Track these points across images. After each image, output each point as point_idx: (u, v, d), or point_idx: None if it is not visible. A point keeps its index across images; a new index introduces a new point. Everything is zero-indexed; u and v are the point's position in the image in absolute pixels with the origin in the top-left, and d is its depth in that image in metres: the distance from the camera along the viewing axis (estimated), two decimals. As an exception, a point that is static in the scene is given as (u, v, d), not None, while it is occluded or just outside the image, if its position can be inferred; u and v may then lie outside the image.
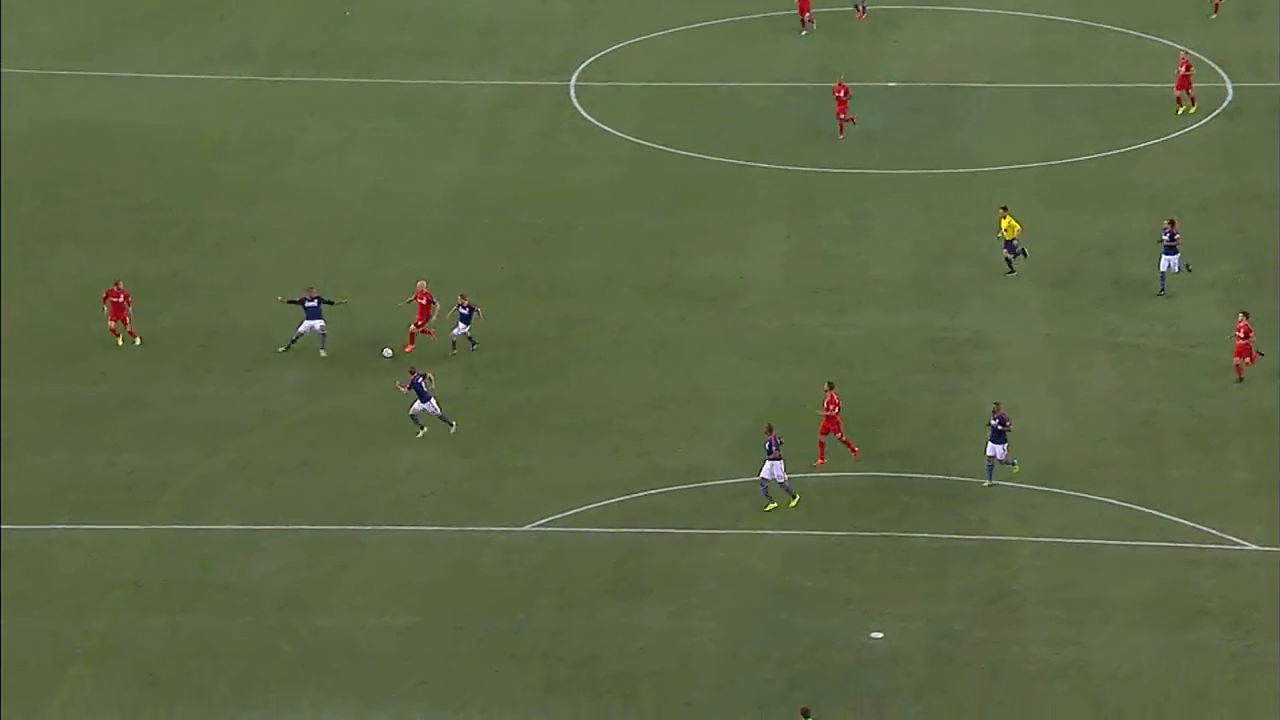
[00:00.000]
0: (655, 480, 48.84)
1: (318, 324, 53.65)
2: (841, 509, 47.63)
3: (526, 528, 47.07)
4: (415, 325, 53.98)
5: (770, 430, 46.98)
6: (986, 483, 47.41)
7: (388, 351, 51.40)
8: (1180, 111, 66.06)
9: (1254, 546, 46.12)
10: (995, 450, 47.59)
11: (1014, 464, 47.81)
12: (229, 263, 59.27)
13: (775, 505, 46.36)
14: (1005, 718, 40.78)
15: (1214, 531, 46.58)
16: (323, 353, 53.46)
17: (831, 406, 48.61)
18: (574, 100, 69.13)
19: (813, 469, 47.83)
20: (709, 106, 68.70)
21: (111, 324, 53.63)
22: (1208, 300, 56.76)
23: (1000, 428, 47.45)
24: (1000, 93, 69.48)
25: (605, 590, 44.72)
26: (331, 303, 53.83)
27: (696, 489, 48.56)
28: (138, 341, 53.17)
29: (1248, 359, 51.81)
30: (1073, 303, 57.06)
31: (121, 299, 53.57)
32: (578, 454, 49.61)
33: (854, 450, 48.69)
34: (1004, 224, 57.29)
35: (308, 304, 53.53)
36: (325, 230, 61.32)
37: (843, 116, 65.97)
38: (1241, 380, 51.52)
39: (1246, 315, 52.03)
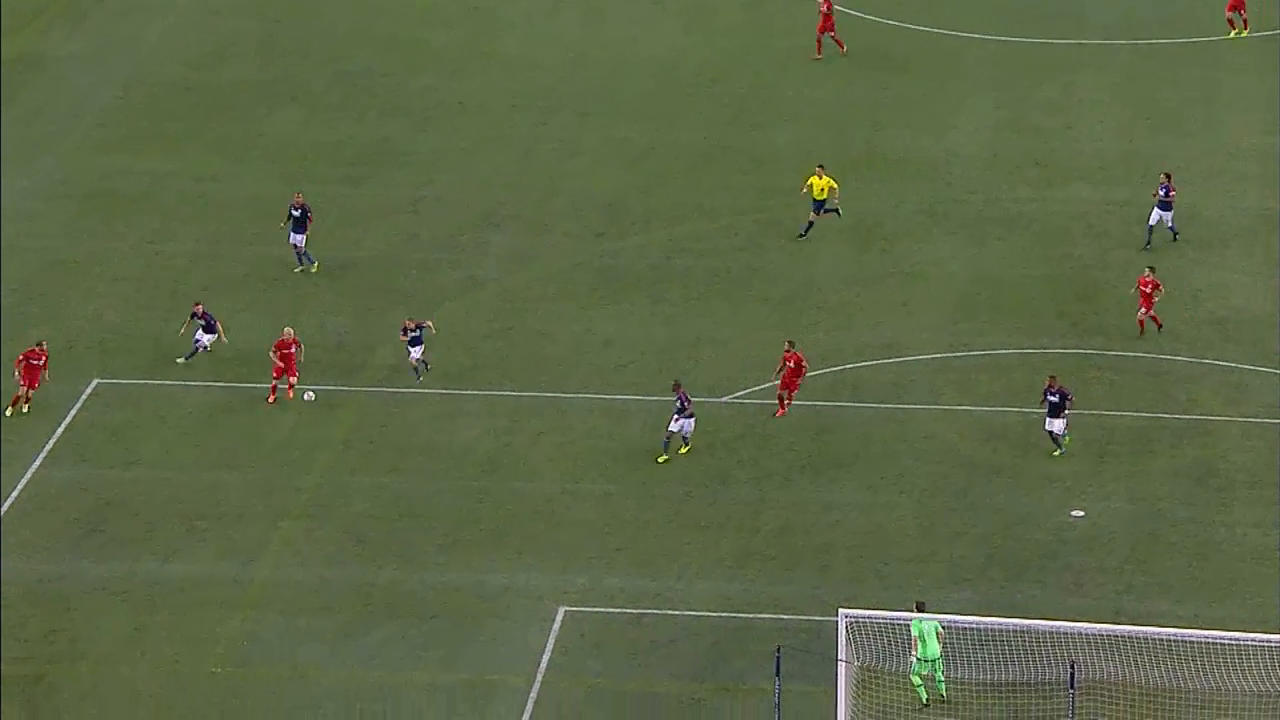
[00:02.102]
0: (854, 354, 48.69)
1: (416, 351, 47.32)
2: (1041, 384, 47.13)
3: (724, 399, 47.22)
4: (286, 381, 46.82)
5: (678, 387, 44.59)
6: (1057, 452, 44.05)
7: (309, 395, 46.15)
8: (1234, 35, 62.07)
9: None
10: (1054, 425, 43.99)
11: (1063, 442, 44.01)
12: (436, 130, 59.83)
13: (668, 458, 44.24)
14: (1209, 599, 40.36)
15: None
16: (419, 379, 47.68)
17: (789, 363, 45.43)
18: (779, -30, 68.56)
19: (773, 418, 45.58)
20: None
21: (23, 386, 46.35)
22: None
23: (1059, 401, 43.90)
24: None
25: (801, 463, 44.80)
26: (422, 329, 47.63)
27: (896, 363, 48.34)
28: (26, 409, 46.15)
29: (1151, 313, 47.98)
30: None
31: (40, 361, 46.46)
32: (777, 327, 49.57)
33: (782, 408, 45.57)
34: (817, 183, 52.28)
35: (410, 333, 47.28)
36: (530, 99, 61.55)
37: (828, 35, 61.71)
38: (1143, 334, 48.09)
39: (1153, 269, 48.48)
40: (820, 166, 52.29)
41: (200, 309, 48.12)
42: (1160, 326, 48.34)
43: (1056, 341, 48.46)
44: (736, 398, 47.33)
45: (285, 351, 46.69)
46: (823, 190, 52.04)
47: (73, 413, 46.48)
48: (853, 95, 61.32)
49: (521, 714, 37.78)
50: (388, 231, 54.61)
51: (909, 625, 37.21)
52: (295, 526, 42.91)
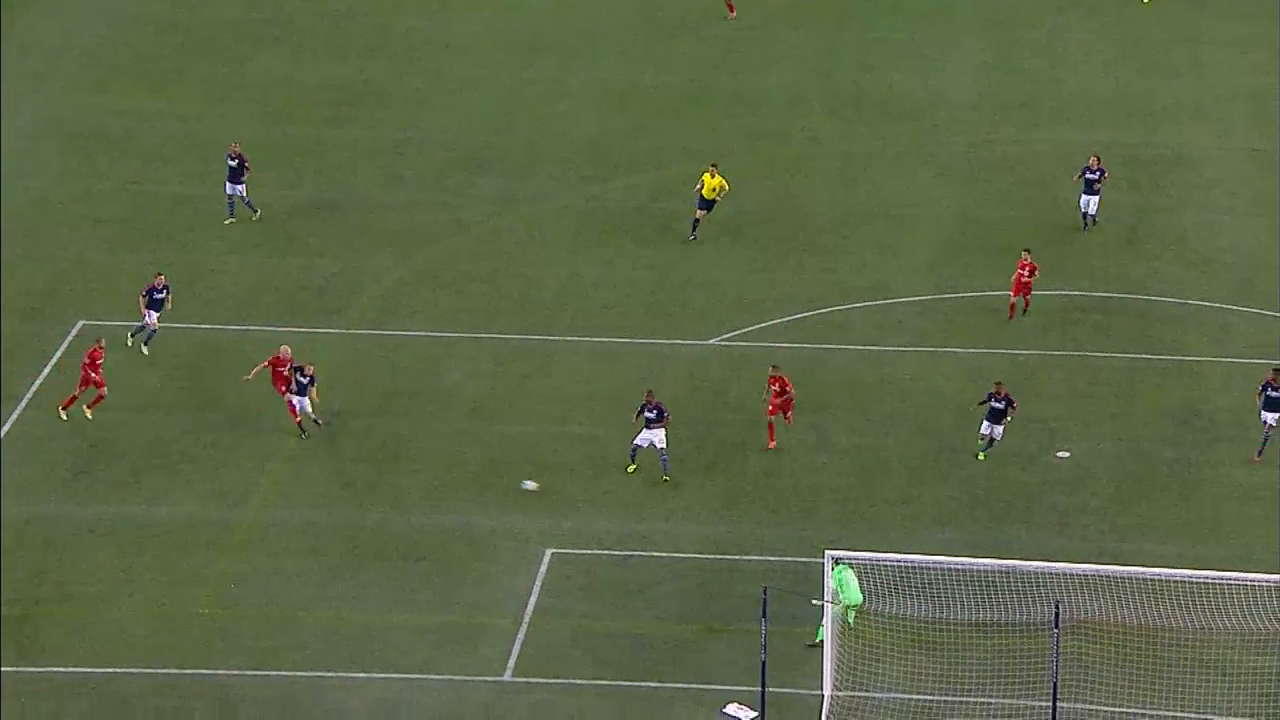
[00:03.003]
0: (841, 296, 48.70)
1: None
2: (1030, 328, 47.23)
3: (711, 341, 47.23)
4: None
5: (650, 396, 42.19)
6: (981, 455, 42.21)
7: (529, 484, 41.96)
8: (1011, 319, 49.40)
9: None
10: (994, 430, 42.25)
11: (981, 454, 42.21)
12: (420, 71, 59.61)
13: (636, 467, 42.20)
14: (1192, 538, 40.52)
15: None
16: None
17: (775, 385, 42.83)
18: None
19: (763, 451, 43.01)
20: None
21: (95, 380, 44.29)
22: None
23: (1002, 409, 42.08)
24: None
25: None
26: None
27: (882, 305, 48.37)
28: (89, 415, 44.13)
29: (1026, 297, 46.59)
30: (1277, 117, 55.76)
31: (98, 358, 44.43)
32: (763, 269, 49.55)
33: (772, 439, 42.86)
34: (709, 182, 49.93)
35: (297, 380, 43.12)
36: (513, 39, 61.33)
37: None
38: (1012, 319, 46.50)
39: (1029, 252, 46.78)
40: (713, 165, 50.16)
41: (161, 280, 45.99)
42: (1027, 309, 46.61)
43: (1041, 283, 48.46)
44: (724, 340, 47.35)
45: (278, 370, 43.56)
46: (713, 190, 49.94)
47: (58, 354, 46.42)
48: (840, 37, 61.13)
49: (508, 656, 37.91)
50: (372, 173, 54.46)
51: (844, 572, 37.22)
52: (282, 469, 42.92)
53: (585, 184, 53.87)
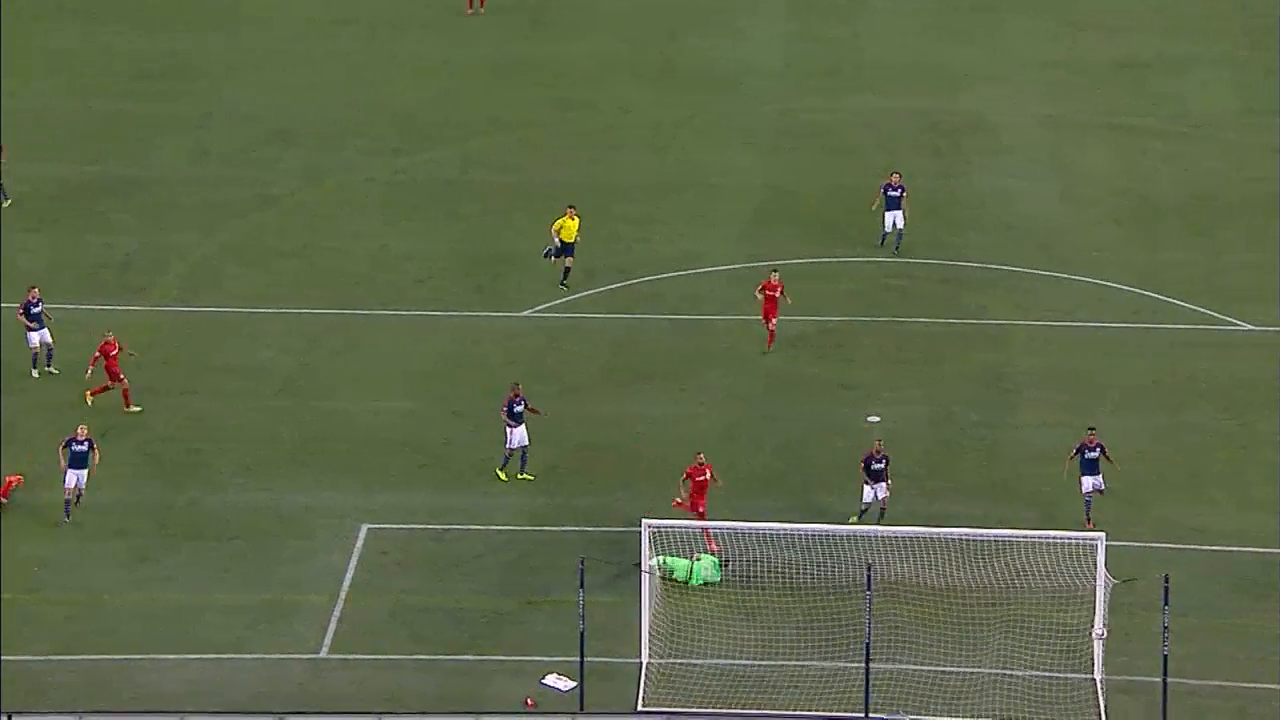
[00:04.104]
0: (655, 266, 48.90)
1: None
2: (839, 295, 47.77)
3: (525, 314, 47.21)
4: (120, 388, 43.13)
5: (515, 389, 41.29)
6: (854, 518, 39.79)
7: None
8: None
9: (1250, 327, 46.46)
10: (875, 492, 39.81)
11: (856, 516, 39.70)
12: (225, 43, 58.83)
13: (505, 475, 41.25)
14: (1002, 499, 41.26)
15: (1211, 313, 46.87)
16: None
17: (696, 477, 39.61)
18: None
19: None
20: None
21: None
22: (1212, 78, 56.59)
23: (882, 467, 39.75)
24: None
25: (603, 376, 44.95)
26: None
27: (695, 274, 48.63)
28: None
29: (772, 323, 44.68)
30: (1072, 83, 56.83)
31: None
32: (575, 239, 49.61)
33: (711, 543, 38.63)
34: (569, 225, 47.24)
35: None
36: (318, 11, 60.75)
37: None
38: (770, 350, 44.89)
39: (777, 272, 45.30)
40: (571, 207, 47.67)
41: (34, 294, 43.97)
42: (772, 339, 44.85)
43: (852, 251, 49.04)
44: (537, 311, 47.33)
45: (111, 356, 42.51)
46: (572, 232, 47.54)
47: None
48: (647, 5, 61.30)
49: (324, 632, 37.66)
50: (176, 147, 53.73)
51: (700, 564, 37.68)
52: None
53: (394, 156, 53.54)
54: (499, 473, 41.43)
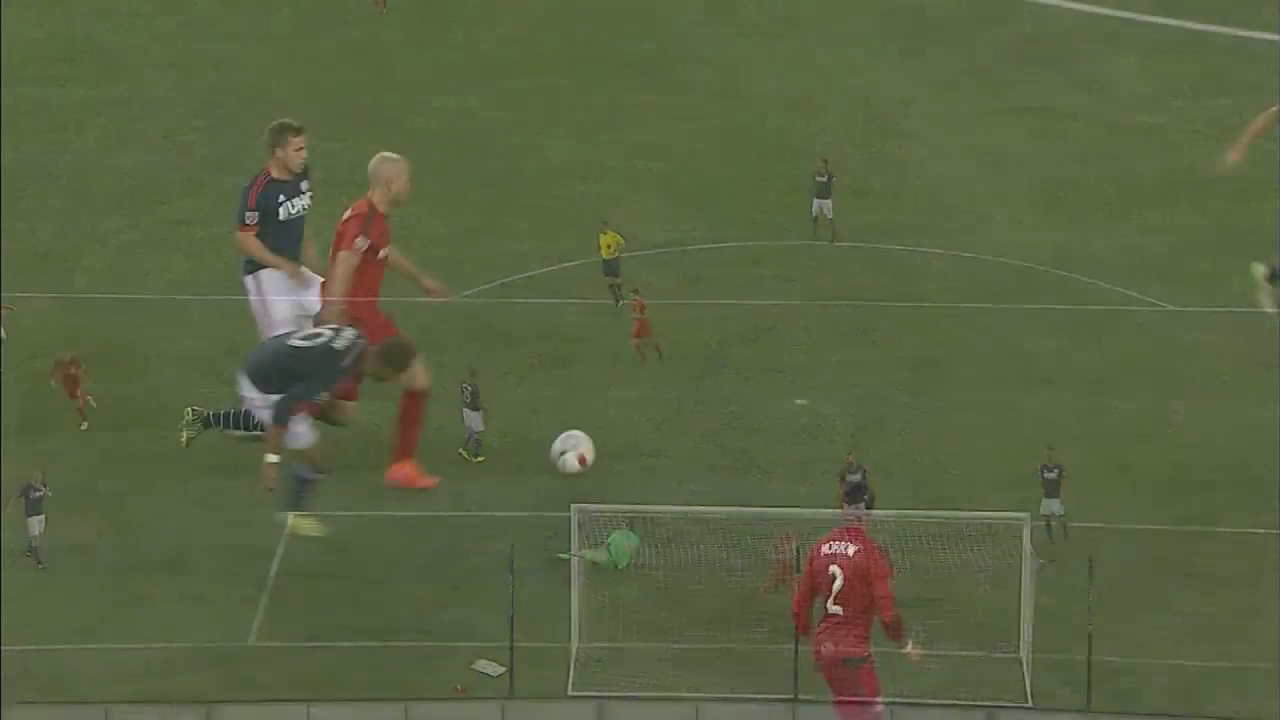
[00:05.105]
0: (583, 251, 48.81)
1: None
2: (769, 280, 47.90)
3: (451, 299, 47.09)
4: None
5: (474, 376, 40.97)
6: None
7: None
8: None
9: (1172, 308, 46.94)
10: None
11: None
12: (139, 33, 58.53)
13: (482, 458, 40.97)
14: (928, 481, 41.33)
15: (1134, 294, 47.31)
16: None
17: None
18: None
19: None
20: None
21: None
22: (1129, 62, 57.18)
23: (858, 479, 36.28)
24: None
25: (532, 362, 44.77)
26: None
27: (622, 258, 48.51)
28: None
29: (640, 340, 43.77)
30: (997, 65, 57.23)
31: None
32: (490, 232, 49.48)
33: None
34: (603, 240, 45.64)
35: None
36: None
37: None
38: (645, 363, 43.85)
39: (637, 292, 44.30)
40: (603, 223, 46.03)
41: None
42: (645, 358, 44.07)
43: (781, 234, 49.19)
44: (465, 296, 47.22)
45: (69, 372, 41.05)
46: (610, 248, 45.72)
47: None
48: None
49: (251, 620, 37.44)
50: (96, 133, 53.38)
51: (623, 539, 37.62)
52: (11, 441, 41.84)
53: (321, 142, 53.25)
54: (476, 458, 41.15)
